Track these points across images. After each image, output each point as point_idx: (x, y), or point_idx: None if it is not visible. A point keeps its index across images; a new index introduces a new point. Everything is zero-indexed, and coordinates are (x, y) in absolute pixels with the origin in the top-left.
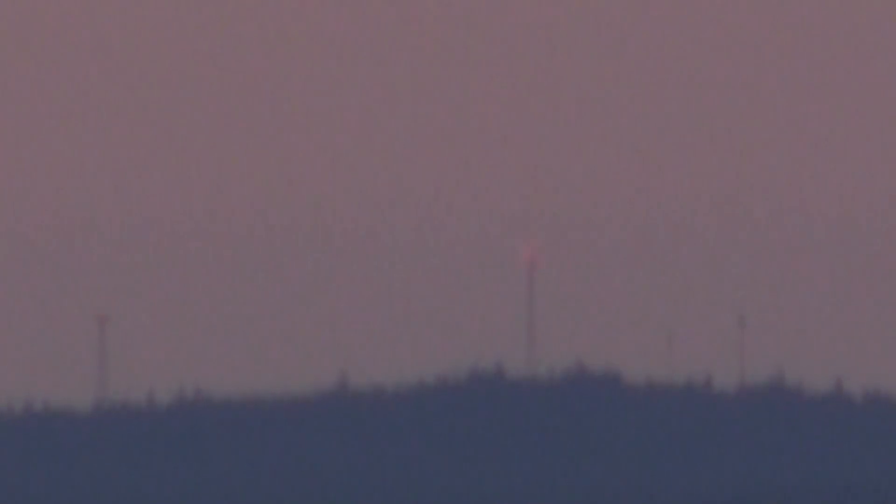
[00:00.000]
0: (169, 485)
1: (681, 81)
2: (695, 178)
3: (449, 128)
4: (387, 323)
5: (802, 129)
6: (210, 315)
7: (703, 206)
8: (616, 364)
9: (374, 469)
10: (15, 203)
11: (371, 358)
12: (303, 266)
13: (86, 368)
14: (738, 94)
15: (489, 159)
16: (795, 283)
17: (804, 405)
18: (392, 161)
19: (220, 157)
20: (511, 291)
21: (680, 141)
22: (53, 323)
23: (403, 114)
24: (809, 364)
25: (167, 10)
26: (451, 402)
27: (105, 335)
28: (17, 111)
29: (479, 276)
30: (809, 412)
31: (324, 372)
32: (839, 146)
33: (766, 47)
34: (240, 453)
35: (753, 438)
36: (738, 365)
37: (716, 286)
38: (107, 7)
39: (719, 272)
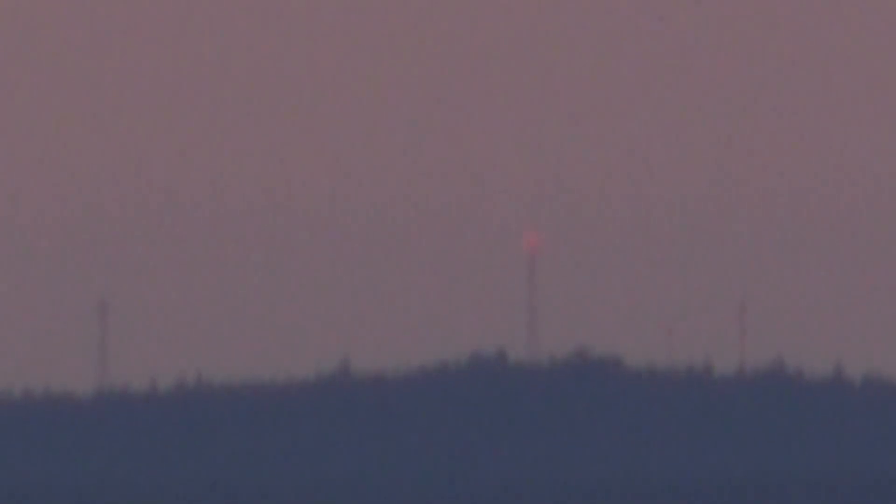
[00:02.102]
0: (171, 471)
1: (681, 71)
2: (695, 165)
3: (451, 116)
4: (388, 309)
5: (800, 117)
6: (211, 301)
7: (703, 193)
8: (617, 350)
9: (376, 455)
10: (15, 189)
11: (373, 343)
12: (304, 251)
13: (87, 354)
14: (737, 85)
15: (491, 147)
16: (795, 268)
17: (804, 390)
18: (394, 148)
19: (221, 143)
20: (513, 277)
21: (680, 129)
22: (54, 309)
23: (406, 102)
24: (809, 349)
25: (167, 8)
26: (453, 388)
27: (106, 321)
28: (17, 100)
29: (481, 262)
30: (809, 397)
31: (325, 357)
32: (837, 133)
33: (763, 41)
34: (241, 439)
35: (753, 424)
36: (739, 350)
37: (716, 272)
38: (107, 6)
39: (719, 258)
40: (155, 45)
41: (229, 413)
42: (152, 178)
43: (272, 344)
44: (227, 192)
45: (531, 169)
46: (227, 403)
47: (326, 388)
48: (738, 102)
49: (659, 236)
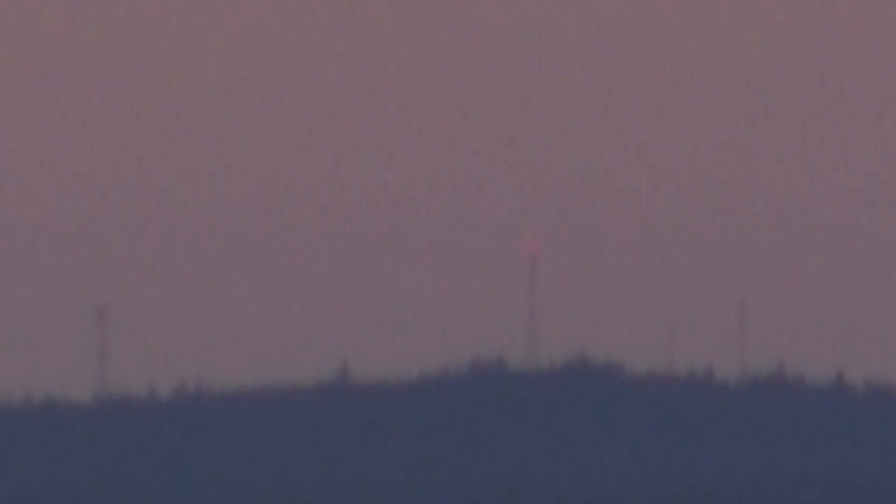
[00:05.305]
0: (170, 477)
1: (680, 75)
2: (695, 171)
3: (451, 121)
4: (388, 314)
5: (800, 121)
6: (211, 307)
7: (703, 198)
8: (617, 356)
9: (376, 461)
10: (15, 195)
11: (372, 349)
12: (303, 258)
13: (86, 361)
14: (736, 89)
15: (490, 152)
16: (796, 274)
17: (805, 396)
18: (393, 154)
19: (220, 149)
20: (512, 283)
21: (680, 134)
22: (54, 315)
23: (406, 108)
24: (810, 355)
25: (167, 8)
26: (453, 394)
27: (105, 327)
28: (17, 104)
29: (481, 268)
30: (810, 403)
31: (325, 364)
32: (838, 138)
33: (762, 43)
34: (241, 445)
35: (754, 430)
36: (739, 356)
37: (716, 277)
38: (107, 6)
39: (720, 263)
40: (161, 50)
41: (229, 419)
42: (152, 183)
43: (272, 350)
44: (227, 198)
45: (530, 174)
46: (226, 409)
47: (326, 393)
48: (737, 107)
49: (659, 242)
